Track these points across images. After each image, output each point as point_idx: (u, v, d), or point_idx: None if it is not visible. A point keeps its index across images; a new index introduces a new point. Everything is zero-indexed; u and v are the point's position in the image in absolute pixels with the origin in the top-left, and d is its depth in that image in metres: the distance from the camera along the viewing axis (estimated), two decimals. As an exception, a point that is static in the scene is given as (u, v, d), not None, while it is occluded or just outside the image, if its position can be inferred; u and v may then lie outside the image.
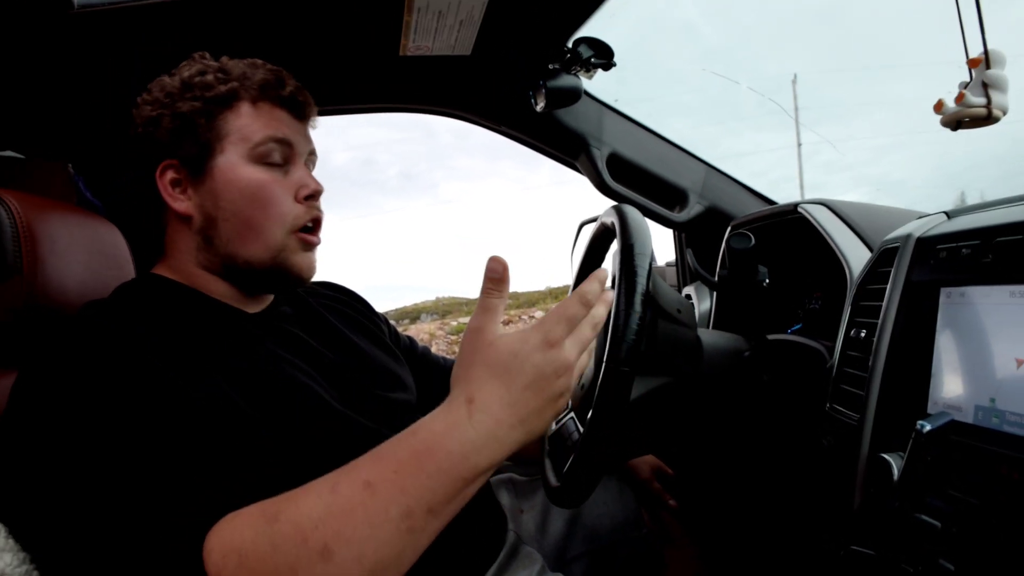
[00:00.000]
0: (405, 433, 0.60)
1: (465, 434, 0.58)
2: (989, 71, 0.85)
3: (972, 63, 0.87)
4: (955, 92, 0.88)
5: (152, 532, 0.56)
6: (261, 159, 0.84)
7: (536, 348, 0.61)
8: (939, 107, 0.89)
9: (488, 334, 0.62)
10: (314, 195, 0.87)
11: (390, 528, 0.56)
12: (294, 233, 0.85)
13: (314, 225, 0.87)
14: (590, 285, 0.65)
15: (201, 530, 0.56)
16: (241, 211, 0.82)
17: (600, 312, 0.66)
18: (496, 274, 0.63)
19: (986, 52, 0.85)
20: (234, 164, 0.83)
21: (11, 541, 0.63)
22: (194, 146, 0.83)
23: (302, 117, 0.89)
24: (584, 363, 0.65)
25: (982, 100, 0.86)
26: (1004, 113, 0.87)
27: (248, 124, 0.84)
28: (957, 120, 0.88)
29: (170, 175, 0.84)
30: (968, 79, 0.88)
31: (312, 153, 0.91)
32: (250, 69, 0.86)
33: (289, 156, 0.86)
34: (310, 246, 0.87)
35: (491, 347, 0.61)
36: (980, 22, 0.83)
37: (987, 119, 0.87)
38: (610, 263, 1.10)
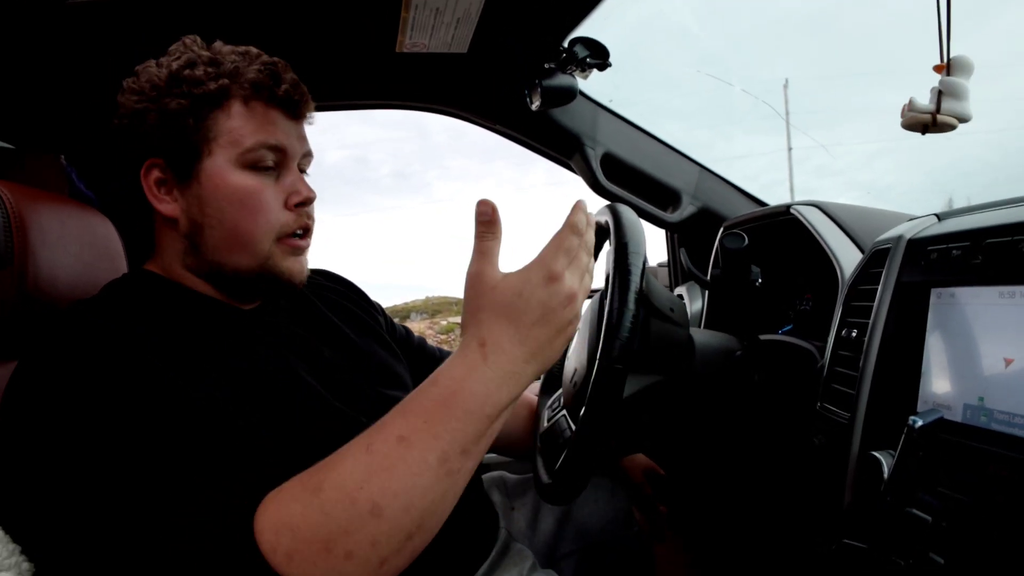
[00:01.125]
0: (425, 384, 0.62)
1: (484, 374, 0.61)
2: (947, 78, 0.86)
3: (937, 69, 0.87)
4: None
5: (195, 522, 0.56)
6: (251, 164, 0.79)
7: (539, 284, 0.63)
8: (903, 112, 0.90)
9: (489, 278, 0.64)
10: (306, 202, 0.83)
11: (431, 475, 0.58)
12: (281, 241, 0.82)
13: (304, 232, 0.84)
14: (576, 216, 0.67)
15: (249, 511, 0.57)
16: (228, 219, 0.79)
17: (591, 237, 0.68)
18: (486, 216, 0.65)
19: (948, 59, 0.86)
20: (222, 169, 0.78)
21: (0, 532, 0.63)
22: (181, 147, 0.78)
23: (297, 116, 0.84)
24: (587, 287, 0.67)
25: (930, 107, 0.86)
26: (959, 120, 0.87)
27: (239, 127, 0.78)
28: (922, 124, 0.88)
29: (155, 174, 0.80)
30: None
31: (307, 155, 0.86)
32: (243, 62, 0.80)
33: (281, 160, 0.82)
34: (298, 251, 0.84)
35: (494, 290, 0.63)
36: (947, 28, 0.84)
37: (932, 126, 0.87)
38: (604, 263, 1.10)
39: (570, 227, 0.66)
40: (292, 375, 0.79)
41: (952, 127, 0.87)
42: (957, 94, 0.85)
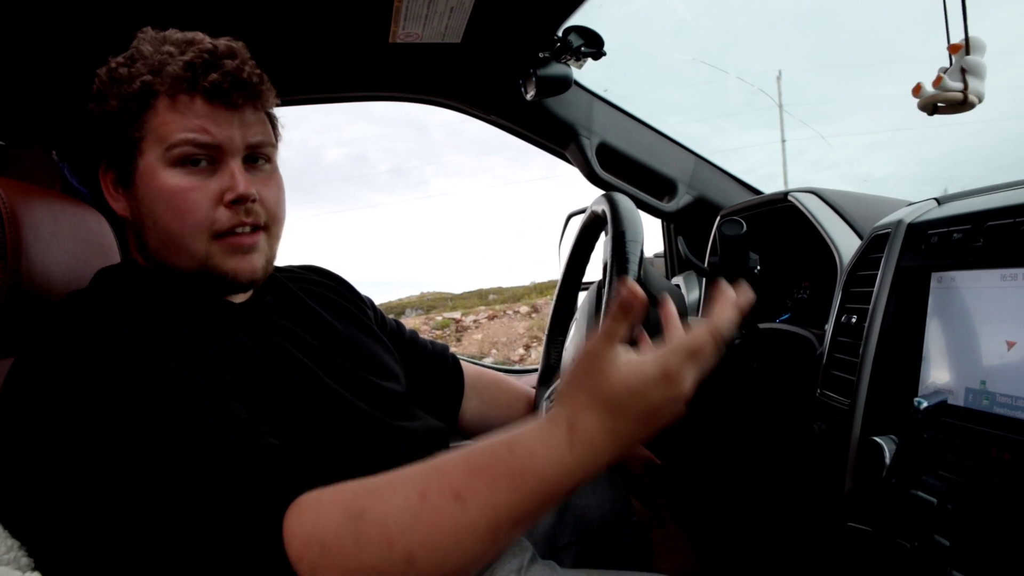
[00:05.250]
0: (500, 447, 0.59)
1: (563, 460, 0.57)
2: (968, 57, 0.86)
3: (952, 49, 0.87)
4: (934, 77, 0.89)
5: (221, 521, 0.55)
6: (179, 161, 0.75)
7: (654, 384, 0.58)
8: (917, 91, 0.89)
9: (604, 362, 0.58)
10: (240, 199, 0.76)
11: (476, 540, 0.56)
12: (219, 239, 0.77)
13: (252, 228, 0.79)
14: (725, 313, 0.61)
15: (278, 513, 0.56)
16: (160, 220, 0.76)
17: (727, 334, 0.61)
18: (628, 304, 0.58)
19: (967, 38, 0.86)
20: (153, 168, 0.75)
21: (-1, 528, 0.62)
22: (119, 148, 0.77)
23: (234, 105, 0.77)
24: (695, 379, 0.61)
25: (959, 85, 0.86)
26: (980, 99, 0.87)
27: (164, 124, 0.75)
28: (933, 104, 0.88)
29: (111, 174, 0.80)
30: (948, 65, 0.88)
31: (260, 146, 0.80)
32: (171, 55, 0.75)
33: (217, 155, 0.77)
34: (242, 249, 0.79)
35: (605, 377, 0.58)
36: (963, 9, 0.84)
37: (963, 104, 0.87)
38: (600, 252, 1.09)
39: (712, 328, 0.60)
40: (289, 367, 0.78)
41: (973, 106, 0.87)
42: (979, 73, 0.85)
